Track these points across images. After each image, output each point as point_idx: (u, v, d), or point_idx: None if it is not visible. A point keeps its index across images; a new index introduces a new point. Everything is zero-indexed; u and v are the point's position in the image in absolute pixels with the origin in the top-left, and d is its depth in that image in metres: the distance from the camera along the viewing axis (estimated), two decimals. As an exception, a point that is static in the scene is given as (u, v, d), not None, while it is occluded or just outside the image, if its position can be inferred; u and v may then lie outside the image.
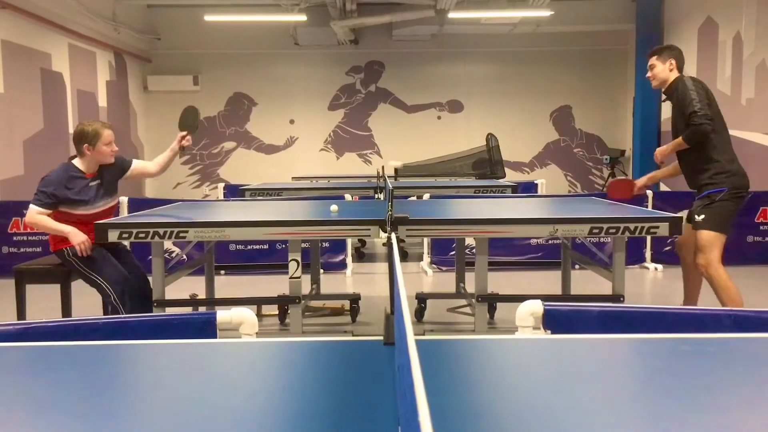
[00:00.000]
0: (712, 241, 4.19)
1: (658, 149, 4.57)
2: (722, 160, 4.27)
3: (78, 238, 3.98)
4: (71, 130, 9.38)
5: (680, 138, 4.29)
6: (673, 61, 4.40)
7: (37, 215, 4.01)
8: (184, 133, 4.43)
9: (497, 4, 10.91)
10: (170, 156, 4.47)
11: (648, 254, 7.23)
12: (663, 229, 3.54)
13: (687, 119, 4.20)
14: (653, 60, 4.46)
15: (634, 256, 7.10)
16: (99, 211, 4.19)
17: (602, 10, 12.26)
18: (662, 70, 4.42)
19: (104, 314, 4.16)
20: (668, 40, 11.16)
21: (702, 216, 4.23)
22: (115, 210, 4.39)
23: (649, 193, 7.13)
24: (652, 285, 6.59)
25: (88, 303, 4.68)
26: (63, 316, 4.11)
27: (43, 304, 4.53)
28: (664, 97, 4.60)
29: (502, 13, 11.23)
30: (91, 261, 4.04)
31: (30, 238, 7.11)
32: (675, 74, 4.42)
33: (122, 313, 3.96)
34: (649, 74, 4.51)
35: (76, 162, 4.17)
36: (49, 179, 4.06)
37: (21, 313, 4.19)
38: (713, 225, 4.21)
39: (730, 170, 4.25)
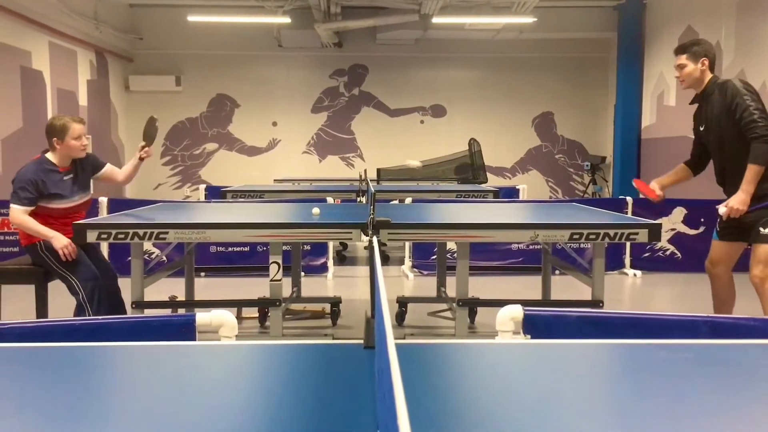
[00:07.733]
0: None
1: (735, 202, 3.76)
2: None
3: (61, 242, 3.93)
4: (51, 129, 9.24)
5: (754, 165, 3.70)
6: (706, 60, 3.88)
7: (21, 216, 3.94)
8: (143, 144, 4.35)
9: (481, 10, 10.96)
10: (135, 165, 4.41)
11: (627, 260, 7.28)
12: (642, 236, 3.57)
13: (746, 131, 3.71)
14: (683, 59, 3.91)
15: (614, 262, 7.15)
16: (76, 205, 4.15)
17: (585, 17, 12.37)
18: (694, 69, 3.90)
19: (74, 312, 4.11)
20: (649, 48, 11.29)
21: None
22: (90, 205, 4.34)
23: (629, 199, 7.18)
24: (631, 291, 6.64)
25: (64, 304, 4.62)
26: (38, 317, 4.06)
27: (20, 303, 4.47)
28: (692, 99, 4.09)
29: (486, 19, 11.29)
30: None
31: (7, 237, 7.01)
32: (708, 74, 3.91)
33: (89, 312, 3.92)
34: (677, 74, 3.98)
35: (50, 156, 4.11)
36: (24, 175, 3.97)
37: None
38: None
39: None
